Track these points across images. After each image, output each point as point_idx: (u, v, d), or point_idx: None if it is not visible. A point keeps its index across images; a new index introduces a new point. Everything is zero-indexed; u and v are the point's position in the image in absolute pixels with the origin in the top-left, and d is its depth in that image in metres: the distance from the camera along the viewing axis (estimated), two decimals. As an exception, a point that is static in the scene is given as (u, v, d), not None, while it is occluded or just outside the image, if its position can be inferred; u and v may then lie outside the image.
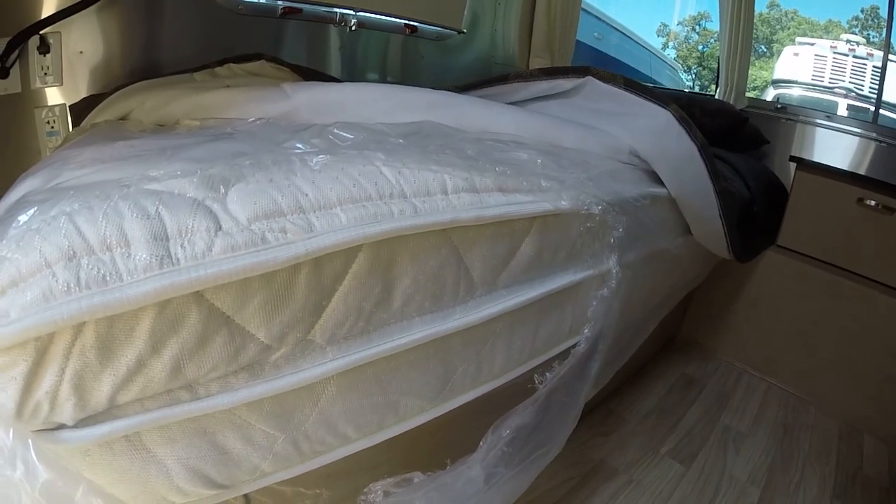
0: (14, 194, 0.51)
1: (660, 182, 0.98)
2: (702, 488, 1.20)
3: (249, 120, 0.75)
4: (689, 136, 0.99)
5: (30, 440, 0.37)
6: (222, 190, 0.42)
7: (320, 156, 0.46)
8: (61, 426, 0.40)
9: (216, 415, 0.46)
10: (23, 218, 0.38)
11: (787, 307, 1.63)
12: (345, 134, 0.55)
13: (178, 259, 0.37)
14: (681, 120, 0.99)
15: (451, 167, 0.53)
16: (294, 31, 1.45)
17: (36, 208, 0.39)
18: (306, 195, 0.43)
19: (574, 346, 0.75)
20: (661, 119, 0.99)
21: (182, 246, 0.38)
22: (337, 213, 0.43)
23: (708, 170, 1.01)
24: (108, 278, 0.36)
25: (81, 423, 0.41)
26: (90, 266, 0.36)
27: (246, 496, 0.56)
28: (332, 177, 0.45)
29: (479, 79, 1.27)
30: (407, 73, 1.79)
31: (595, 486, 1.17)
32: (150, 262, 0.37)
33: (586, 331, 0.74)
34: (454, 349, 0.61)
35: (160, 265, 0.37)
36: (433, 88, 1.02)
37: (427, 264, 0.52)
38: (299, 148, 0.52)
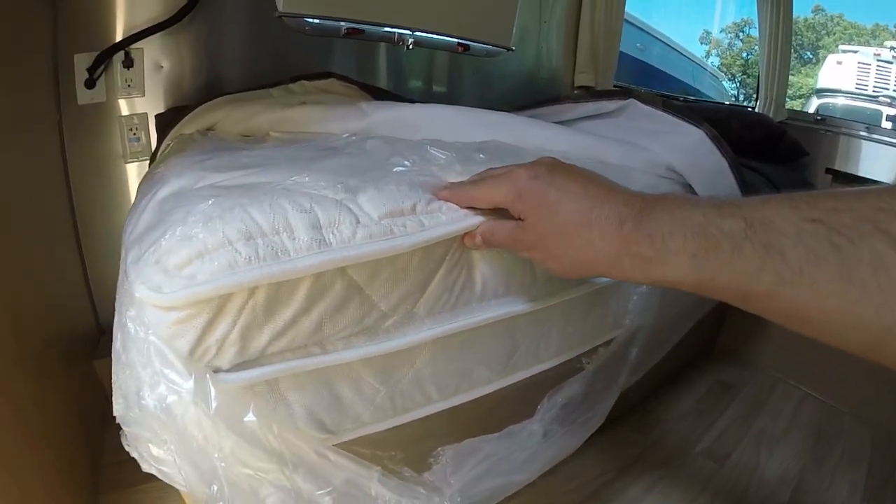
0: (162, 191, 0.62)
1: (694, 193, 1.07)
2: (733, 486, 1.24)
3: (343, 136, 0.88)
4: (720, 151, 1.09)
5: (207, 374, 0.48)
6: (356, 195, 0.56)
7: (428, 177, 0.62)
8: (218, 369, 0.51)
9: (338, 367, 0.58)
10: (203, 206, 0.50)
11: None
12: (437, 154, 0.69)
13: (330, 242, 0.50)
14: (713, 138, 1.09)
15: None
16: (345, 46, 1.55)
17: (213, 200, 0.51)
18: (419, 202, 0.57)
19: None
20: (696, 137, 1.09)
21: (333, 233, 0.51)
22: (439, 215, 0.57)
23: (738, 182, 1.10)
24: (279, 254, 0.48)
25: (234, 368, 0.52)
26: (265, 245, 0.48)
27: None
28: (434, 189, 0.61)
29: (534, 98, 1.36)
30: (452, 88, 1.87)
31: (631, 478, 1.23)
32: (310, 243, 0.49)
33: (627, 321, 0.85)
34: (520, 328, 0.74)
35: (318, 246, 0.49)
36: (484, 106, 1.11)
37: (501, 256, 0.65)
38: (405, 164, 0.66)
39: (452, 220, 0.58)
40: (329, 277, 0.52)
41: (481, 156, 0.69)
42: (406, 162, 0.67)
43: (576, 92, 2.07)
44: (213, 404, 0.47)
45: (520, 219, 0.55)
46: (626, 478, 1.23)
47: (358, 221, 0.52)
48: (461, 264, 0.62)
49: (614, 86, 2.17)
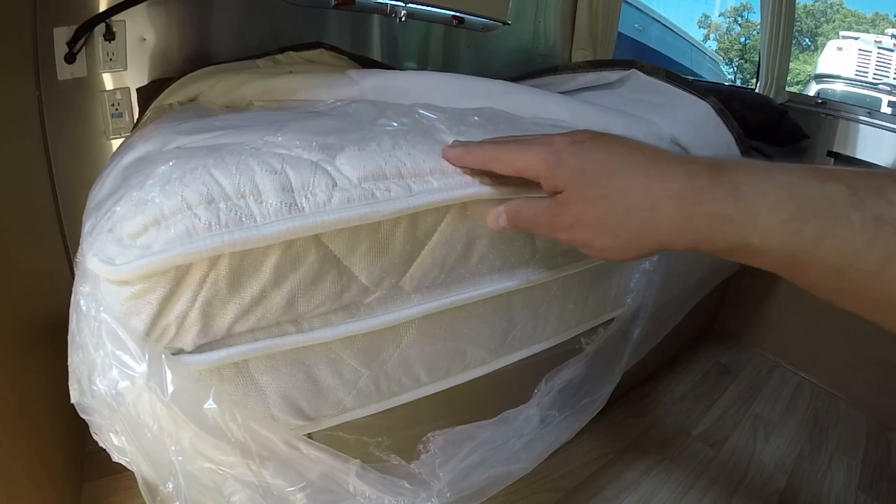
0: (127, 157, 0.57)
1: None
2: (730, 471, 1.24)
3: (328, 101, 0.82)
4: (727, 125, 1.04)
5: (163, 355, 0.43)
6: (334, 155, 0.49)
7: (416, 137, 0.55)
8: (180, 351, 0.46)
9: (315, 348, 0.53)
10: (162, 168, 0.44)
11: (824, 302, 1.64)
12: (428, 114, 0.62)
13: (303, 207, 0.44)
14: (719, 111, 1.04)
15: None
16: (338, 19, 1.50)
17: (173, 161, 0.45)
18: (405, 164, 0.51)
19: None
20: (701, 110, 1.04)
21: (306, 197, 0.45)
22: (430, 181, 0.51)
23: (743, 157, 1.06)
24: (244, 219, 0.42)
25: (198, 349, 0.47)
26: (228, 209, 0.42)
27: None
28: (424, 150, 0.53)
29: (533, 70, 1.31)
30: (448, 63, 1.83)
31: (628, 462, 1.23)
32: (279, 207, 0.43)
33: (629, 300, 0.81)
34: (515, 306, 0.68)
35: (289, 211, 0.44)
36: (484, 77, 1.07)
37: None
38: (393, 124, 0.60)
39: (447, 186, 0.51)
40: (301, 247, 0.46)
41: (476, 118, 0.63)
42: (394, 123, 0.61)
43: (573, 62, 2.03)
44: (169, 389, 0.42)
45: (556, 193, 0.47)
46: (622, 462, 1.23)
47: (335, 184, 0.46)
48: (456, 236, 0.56)
49: (612, 60, 2.13)
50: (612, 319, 0.81)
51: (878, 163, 2.20)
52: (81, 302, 0.44)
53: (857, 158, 2.27)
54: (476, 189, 0.52)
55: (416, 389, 0.65)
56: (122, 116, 1.19)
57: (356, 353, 0.56)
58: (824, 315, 1.63)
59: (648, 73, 1.10)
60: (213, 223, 0.41)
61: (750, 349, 1.81)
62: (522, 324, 0.70)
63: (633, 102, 1.05)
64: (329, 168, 0.48)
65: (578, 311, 0.77)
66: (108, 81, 1.16)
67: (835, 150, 2.28)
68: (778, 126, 2.07)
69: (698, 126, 1.00)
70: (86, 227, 0.48)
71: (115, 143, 1.20)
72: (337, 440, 0.62)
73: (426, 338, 0.61)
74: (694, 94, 1.04)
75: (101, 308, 0.42)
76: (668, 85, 1.08)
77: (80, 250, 0.48)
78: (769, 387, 1.64)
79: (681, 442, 1.32)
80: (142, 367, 0.42)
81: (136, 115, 1.19)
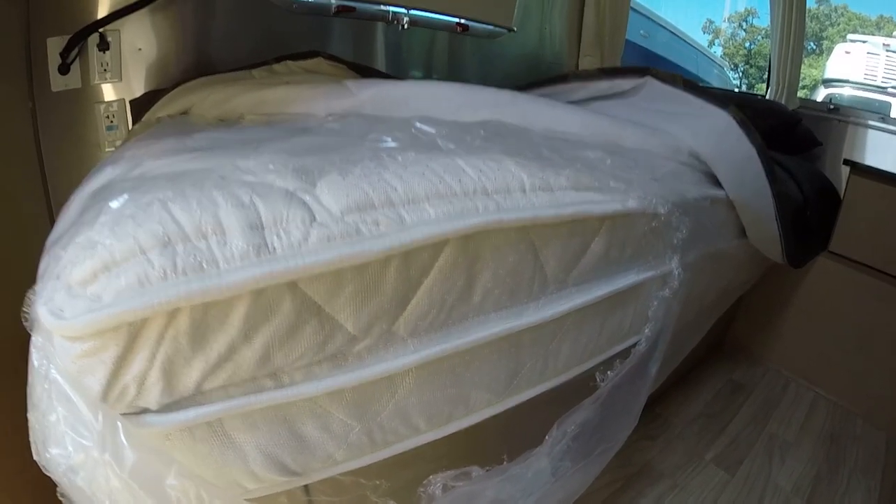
0: (94, 182, 0.53)
1: (717, 183, 0.97)
2: (746, 496, 1.19)
3: (322, 115, 0.76)
4: (749, 138, 0.98)
5: (119, 423, 0.38)
6: (314, 182, 0.43)
7: (409, 154, 0.47)
8: (145, 410, 0.41)
9: (298, 403, 0.47)
10: (114, 204, 0.39)
11: (837, 315, 1.59)
12: (426, 128, 0.56)
13: (274, 248, 0.38)
14: (740, 122, 0.98)
15: (527, 165, 0.54)
16: (341, 27, 1.45)
17: (128, 195, 0.40)
18: (395, 189, 0.44)
19: (634, 345, 0.76)
20: (721, 121, 0.98)
21: (278, 235, 0.39)
22: (426, 208, 0.44)
23: (766, 172, 1.00)
24: (204, 265, 0.36)
25: (165, 408, 0.41)
26: (186, 253, 0.36)
27: (306, 486, 0.58)
28: (418, 172, 0.46)
29: (540, 77, 1.26)
30: (453, 70, 1.78)
31: (640, 488, 1.18)
32: (246, 250, 0.38)
33: (647, 330, 0.74)
34: (524, 345, 0.62)
35: (257, 253, 0.38)
36: (489, 86, 1.02)
37: (507, 260, 0.53)
38: (385, 140, 0.53)
39: (446, 215, 0.45)
40: (274, 295, 0.39)
41: (482, 132, 0.56)
42: (387, 138, 0.54)
43: (583, 70, 1.98)
44: (127, 462, 0.36)
45: None
46: (633, 489, 1.18)
47: (313, 219, 0.40)
48: (456, 272, 0.49)
49: (622, 68, 2.10)
50: (629, 350, 0.74)
51: (892, 169, 2.15)
52: (34, 356, 0.39)
53: (873, 167, 2.22)
54: (481, 218, 0.46)
55: (414, 437, 0.58)
56: (116, 128, 1.13)
57: (345, 406, 0.50)
58: (836, 328, 1.58)
59: (664, 80, 1.03)
60: (169, 270, 0.35)
61: (763, 364, 1.76)
62: (532, 362, 0.63)
63: (649, 112, 0.99)
64: (307, 198, 0.41)
65: (592, 344, 0.71)
66: (103, 92, 1.11)
67: (847, 156, 2.24)
68: (791, 133, 2.02)
69: (719, 138, 0.94)
70: (40, 268, 0.43)
71: (111, 156, 1.17)
72: (332, 483, 0.57)
73: (425, 385, 0.54)
74: (713, 103, 0.98)
75: (52, 367, 0.37)
76: (685, 93, 1.02)
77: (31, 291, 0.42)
78: (784, 404, 1.59)
79: (694, 466, 1.27)
80: (96, 438, 0.36)
81: (130, 127, 1.15)
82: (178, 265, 0.35)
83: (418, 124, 0.56)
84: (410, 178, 0.45)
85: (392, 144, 0.52)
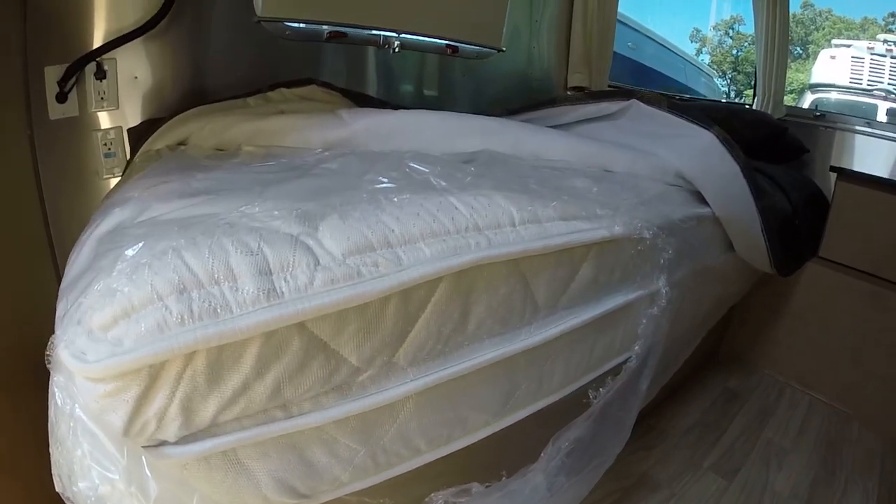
0: (104, 225, 0.55)
1: (703, 201, 1.00)
2: (744, 503, 1.20)
3: (316, 151, 0.79)
4: (732, 156, 1.01)
5: (143, 457, 0.41)
6: (316, 226, 0.46)
7: (404, 195, 0.50)
8: (163, 442, 0.43)
9: (306, 431, 0.50)
10: (130, 252, 0.42)
11: (829, 320, 1.61)
12: (420, 167, 0.59)
13: (282, 292, 0.41)
14: (724, 141, 1.01)
15: (516, 199, 0.57)
16: (334, 51, 1.48)
17: (143, 243, 0.43)
18: (393, 231, 0.47)
19: (625, 361, 0.78)
20: (705, 140, 1.01)
21: (285, 280, 0.42)
22: (421, 248, 0.47)
23: (750, 188, 1.03)
24: (219, 310, 0.39)
25: (182, 440, 0.44)
26: (201, 299, 0.39)
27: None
28: (413, 213, 0.50)
29: (529, 101, 1.29)
30: (444, 91, 1.80)
31: (637, 499, 1.18)
32: (257, 295, 0.40)
33: (637, 347, 0.77)
34: (519, 367, 0.65)
35: (267, 298, 0.41)
36: (476, 109, 1.04)
37: (498, 291, 0.56)
38: (382, 181, 0.56)
39: (441, 253, 0.48)
40: (284, 335, 0.42)
41: (472, 168, 0.60)
42: (383, 179, 0.57)
43: (571, 93, 2.01)
44: (152, 494, 0.39)
45: None
46: (631, 500, 1.19)
47: (317, 263, 0.43)
48: (452, 306, 0.52)
49: (610, 86, 2.12)
50: (620, 367, 0.77)
51: (878, 173, 2.18)
52: (57, 394, 0.42)
53: (859, 172, 2.26)
54: (473, 255, 0.49)
55: (415, 458, 0.61)
56: (115, 155, 1.15)
57: (350, 432, 0.53)
58: (830, 332, 1.60)
59: (649, 102, 1.07)
60: (186, 316, 0.37)
61: (758, 371, 1.77)
62: (527, 384, 0.66)
63: (636, 135, 1.02)
64: (310, 242, 0.44)
65: (584, 363, 0.74)
66: (100, 120, 1.13)
67: (834, 162, 2.27)
68: (779, 143, 2.06)
69: (703, 158, 0.97)
70: (59, 311, 0.45)
71: (109, 182, 1.16)
72: (338, 503, 0.59)
73: (425, 410, 0.57)
74: (697, 123, 1.01)
75: (77, 405, 0.39)
76: (669, 115, 1.05)
77: (54, 335, 0.45)
78: (779, 410, 1.60)
79: (691, 475, 1.28)
80: (121, 471, 0.39)
81: (128, 155, 1.16)
82: (195, 311, 0.38)
83: (412, 164, 0.60)
84: (406, 219, 0.49)
85: (388, 185, 0.55)
